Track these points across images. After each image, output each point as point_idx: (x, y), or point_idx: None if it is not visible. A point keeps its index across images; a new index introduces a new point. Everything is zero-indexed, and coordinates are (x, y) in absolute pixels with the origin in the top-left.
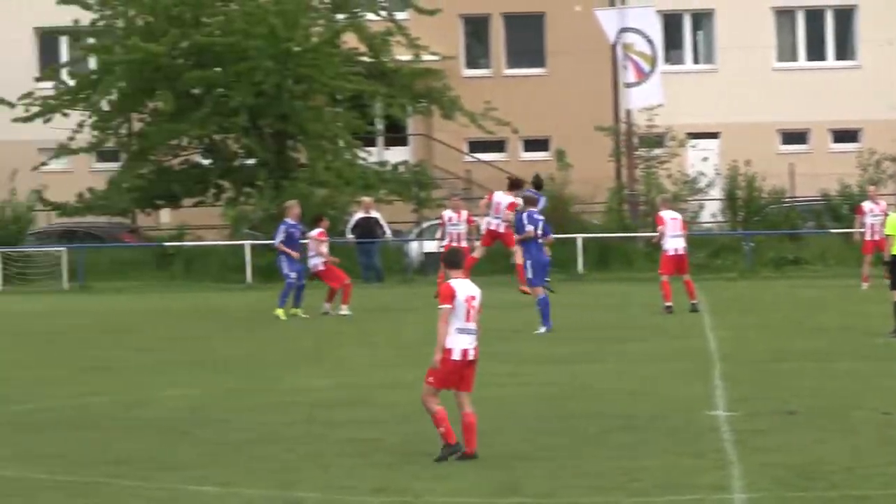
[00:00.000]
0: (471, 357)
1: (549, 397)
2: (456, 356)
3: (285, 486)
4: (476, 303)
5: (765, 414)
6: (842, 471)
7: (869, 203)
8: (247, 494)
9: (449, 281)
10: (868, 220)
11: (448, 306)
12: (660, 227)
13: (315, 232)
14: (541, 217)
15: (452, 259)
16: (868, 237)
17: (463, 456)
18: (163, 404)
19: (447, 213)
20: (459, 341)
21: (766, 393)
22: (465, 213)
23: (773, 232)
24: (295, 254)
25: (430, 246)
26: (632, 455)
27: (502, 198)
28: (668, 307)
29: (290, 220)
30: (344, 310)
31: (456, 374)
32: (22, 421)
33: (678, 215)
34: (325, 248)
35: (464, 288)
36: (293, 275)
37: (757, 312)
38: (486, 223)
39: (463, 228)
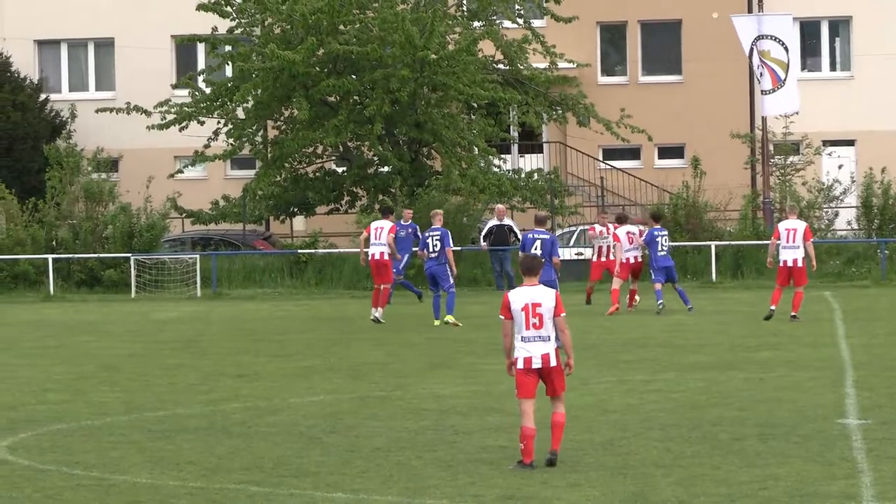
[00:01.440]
0: (534, 365)
1: (683, 405)
2: (519, 365)
3: (414, 494)
4: (542, 309)
5: None
6: None
7: None
8: (376, 501)
9: (508, 291)
10: None
11: (502, 318)
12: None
13: (388, 225)
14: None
15: (526, 265)
16: None
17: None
18: (296, 411)
19: (598, 227)
20: (521, 350)
21: None
22: (612, 228)
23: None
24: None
25: (563, 253)
26: (763, 463)
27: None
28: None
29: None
30: (377, 313)
31: (524, 383)
32: (155, 428)
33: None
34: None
35: (522, 296)
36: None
37: (890, 320)
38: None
39: (610, 241)
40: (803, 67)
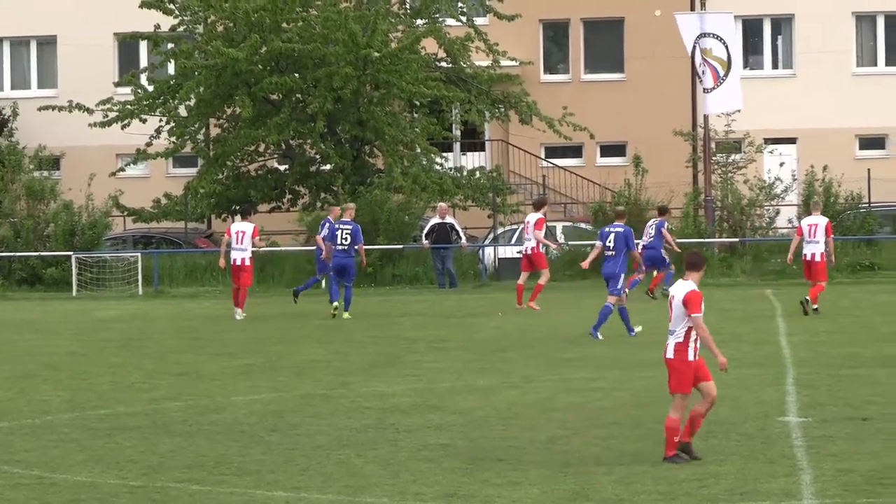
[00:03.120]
0: (666, 355)
1: (626, 403)
2: None
3: (355, 492)
4: (676, 301)
5: (837, 420)
6: None
7: None
8: (316, 500)
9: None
10: None
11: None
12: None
13: (251, 228)
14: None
15: (689, 260)
16: None
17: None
18: (237, 409)
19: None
20: None
21: (839, 399)
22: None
23: (849, 238)
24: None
25: (505, 252)
26: (704, 461)
27: (531, 217)
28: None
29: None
30: (239, 314)
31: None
32: (97, 426)
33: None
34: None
35: (673, 291)
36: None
37: (831, 318)
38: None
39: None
40: (746, 65)
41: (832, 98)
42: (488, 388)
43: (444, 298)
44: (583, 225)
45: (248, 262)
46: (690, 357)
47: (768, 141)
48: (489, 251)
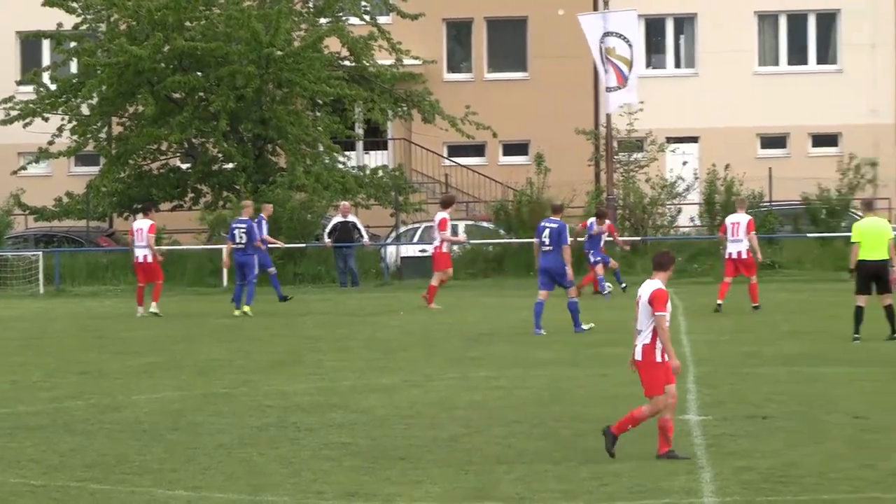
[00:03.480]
0: (633, 357)
1: (527, 401)
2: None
3: (256, 491)
4: (642, 301)
5: (737, 418)
6: (813, 475)
7: None
8: (217, 499)
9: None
10: None
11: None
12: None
13: (146, 224)
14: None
15: (656, 260)
16: None
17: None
18: (139, 408)
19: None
20: None
21: (740, 397)
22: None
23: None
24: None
25: (408, 250)
26: (604, 459)
27: (438, 215)
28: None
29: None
30: (154, 307)
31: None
32: None
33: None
34: (153, 241)
35: (640, 290)
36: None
37: (732, 317)
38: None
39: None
40: (648, 65)
41: (734, 97)
42: (390, 386)
43: (347, 297)
44: (484, 223)
45: (150, 259)
46: (658, 358)
47: (670, 140)
48: (391, 250)
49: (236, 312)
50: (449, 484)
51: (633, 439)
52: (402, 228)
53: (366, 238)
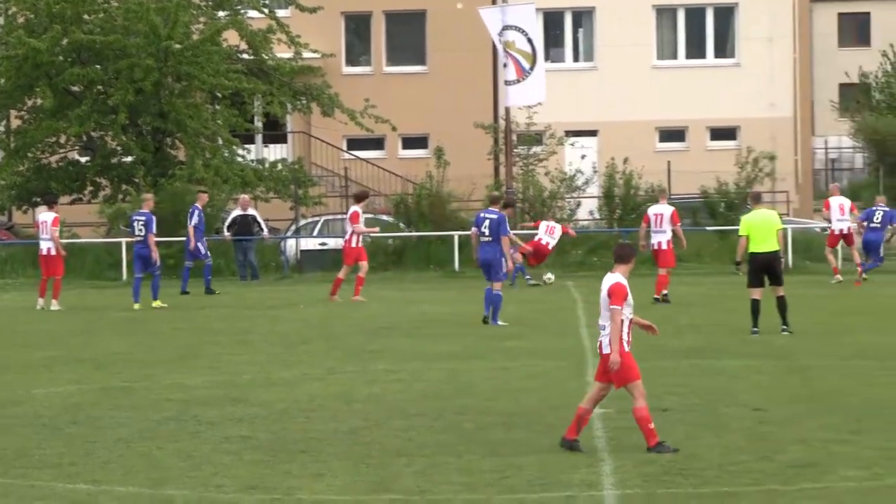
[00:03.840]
0: (601, 351)
1: (427, 394)
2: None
3: (156, 485)
4: (602, 294)
5: None
6: (713, 467)
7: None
8: (118, 492)
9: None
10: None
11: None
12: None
13: (50, 217)
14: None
15: (617, 252)
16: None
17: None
18: (38, 402)
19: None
20: None
21: None
22: None
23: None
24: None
25: (307, 244)
26: (506, 452)
27: (351, 209)
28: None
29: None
30: (55, 305)
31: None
32: None
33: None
34: (58, 234)
35: (602, 284)
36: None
37: (633, 310)
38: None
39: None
40: (547, 58)
41: (633, 91)
42: (290, 380)
43: (247, 291)
44: (384, 217)
45: (53, 252)
46: (627, 348)
47: (569, 133)
48: (291, 243)
49: (136, 306)
50: (349, 477)
51: (539, 431)
52: (302, 222)
53: (265, 231)
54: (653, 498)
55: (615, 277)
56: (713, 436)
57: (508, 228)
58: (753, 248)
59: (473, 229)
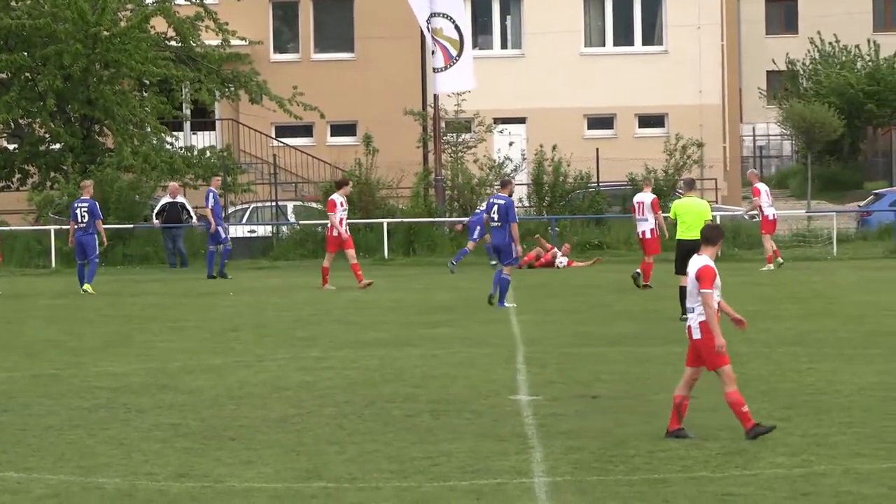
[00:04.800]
0: (692, 337)
1: (358, 382)
2: None
3: (87, 472)
4: (690, 277)
5: (567, 398)
6: (642, 454)
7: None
8: (48, 480)
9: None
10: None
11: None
12: None
13: None
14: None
15: (704, 234)
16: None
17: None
18: None
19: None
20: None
21: (569, 377)
22: None
23: (578, 217)
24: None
25: (237, 231)
26: (435, 439)
27: (335, 196)
28: None
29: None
30: None
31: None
32: None
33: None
34: None
35: (689, 266)
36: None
37: (561, 297)
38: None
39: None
40: (475, 45)
41: (561, 78)
42: (220, 367)
43: (176, 278)
44: (313, 204)
45: None
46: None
47: (498, 121)
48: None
49: (87, 288)
50: (280, 464)
51: (468, 418)
52: (231, 209)
53: (194, 219)
54: (583, 485)
55: (703, 260)
56: (643, 423)
57: (515, 215)
58: (680, 235)
59: (485, 214)
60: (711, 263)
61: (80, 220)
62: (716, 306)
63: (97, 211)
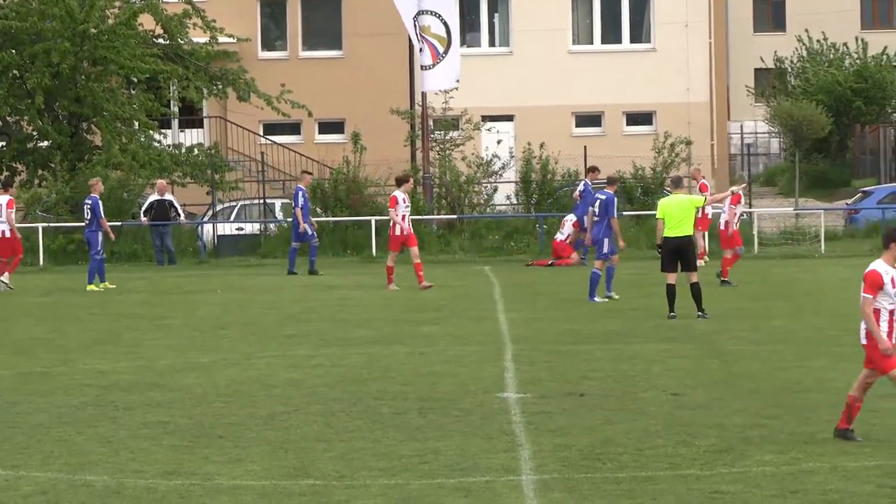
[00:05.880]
0: (861, 342)
1: (347, 379)
2: None
3: (75, 470)
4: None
5: (555, 396)
6: (630, 452)
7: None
8: (36, 478)
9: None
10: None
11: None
12: None
13: (5, 199)
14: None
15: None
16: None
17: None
18: None
19: None
20: None
21: (557, 375)
22: None
23: (566, 214)
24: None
25: (224, 229)
26: (424, 437)
27: (396, 193)
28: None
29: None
30: (5, 279)
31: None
32: None
33: None
34: (13, 216)
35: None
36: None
37: (550, 295)
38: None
39: None
40: (463, 43)
41: (549, 76)
42: (209, 365)
43: (164, 275)
44: None
45: (8, 234)
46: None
47: (486, 118)
48: (208, 228)
49: (103, 285)
50: (268, 462)
51: (456, 416)
52: (219, 207)
53: (182, 216)
54: (571, 482)
55: (874, 264)
56: (630, 420)
57: (615, 210)
58: (667, 233)
59: (590, 209)
60: (882, 268)
61: (85, 217)
62: (882, 312)
63: (98, 208)
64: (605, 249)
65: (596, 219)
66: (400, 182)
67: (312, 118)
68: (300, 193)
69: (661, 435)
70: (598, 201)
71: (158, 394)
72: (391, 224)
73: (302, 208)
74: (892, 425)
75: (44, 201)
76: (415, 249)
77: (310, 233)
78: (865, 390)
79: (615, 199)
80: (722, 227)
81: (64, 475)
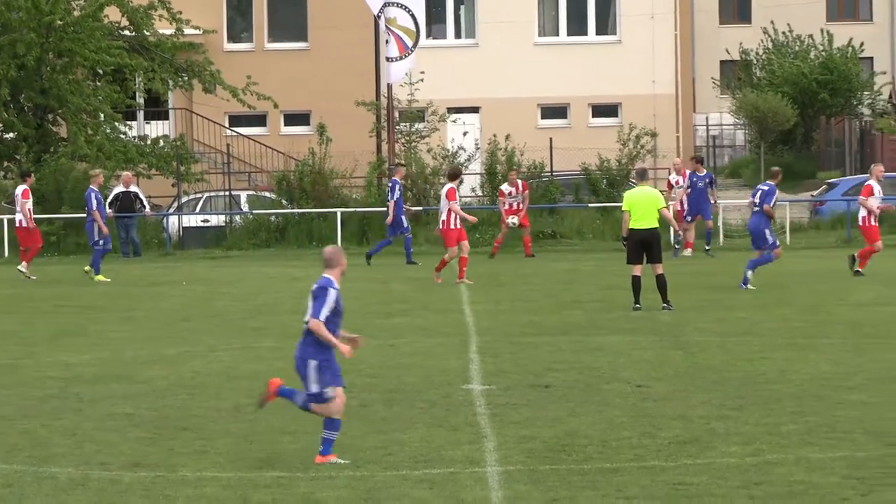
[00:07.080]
0: None
1: None
2: None
3: (40, 462)
4: None
5: (520, 388)
6: (595, 444)
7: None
8: (1, 470)
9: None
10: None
11: None
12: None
13: (20, 189)
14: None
15: None
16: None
17: None
18: None
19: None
20: None
21: (522, 367)
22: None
23: (531, 206)
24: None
25: (190, 220)
26: (389, 429)
27: (445, 187)
28: None
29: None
30: (23, 267)
31: None
32: None
33: None
34: (28, 206)
35: None
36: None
37: (514, 286)
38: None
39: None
40: (429, 35)
41: (514, 68)
42: (173, 357)
43: (129, 268)
44: (266, 194)
45: (25, 224)
46: None
47: (451, 110)
48: (173, 220)
49: (98, 277)
50: (233, 454)
51: (421, 408)
52: (185, 199)
53: (147, 208)
54: (535, 474)
55: None
56: (595, 412)
57: (772, 200)
58: (633, 225)
59: (749, 199)
60: None
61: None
62: None
63: (90, 201)
64: (768, 239)
65: (756, 209)
66: (453, 176)
67: (278, 110)
68: (396, 186)
69: (626, 426)
70: (760, 192)
71: (123, 386)
72: (445, 219)
73: (396, 201)
74: (857, 417)
75: (9, 193)
76: (464, 244)
77: (405, 224)
78: None
79: (776, 190)
80: (861, 223)
81: (29, 467)
